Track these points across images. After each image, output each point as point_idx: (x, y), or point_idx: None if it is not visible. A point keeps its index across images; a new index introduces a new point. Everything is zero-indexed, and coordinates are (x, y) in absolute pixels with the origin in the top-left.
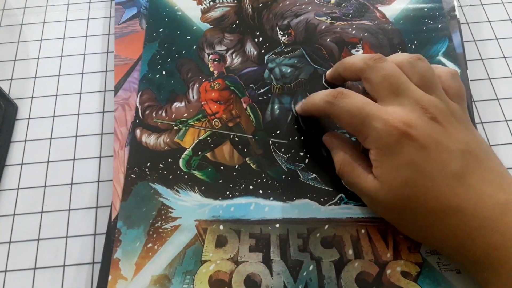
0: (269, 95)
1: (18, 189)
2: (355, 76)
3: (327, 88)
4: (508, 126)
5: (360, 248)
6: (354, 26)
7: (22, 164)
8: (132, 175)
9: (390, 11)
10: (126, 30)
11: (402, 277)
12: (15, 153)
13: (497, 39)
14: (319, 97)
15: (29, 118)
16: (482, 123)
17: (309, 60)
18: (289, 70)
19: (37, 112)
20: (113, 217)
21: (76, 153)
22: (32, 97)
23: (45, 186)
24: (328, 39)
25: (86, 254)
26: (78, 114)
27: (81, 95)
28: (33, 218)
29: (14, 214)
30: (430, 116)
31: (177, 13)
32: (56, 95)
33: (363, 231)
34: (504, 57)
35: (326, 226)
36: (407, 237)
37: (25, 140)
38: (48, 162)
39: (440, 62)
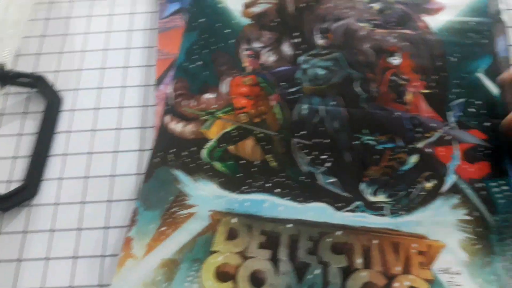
0: (299, 95)
1: (61, 179)
2: None
3: None
4: None
5: (369, 258)
6: (395, 35)
7: (65, 154)
8: (156, 159)
9: (435, 21)
10: (169, 24)
11: None
12: (59, 144)
13: None
14: None
15: (73, 110)
16: None
17: (344, 64)
18: (323, 72)
19: (81, 104)
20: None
21: (119, 145)
22: (76, 89)
23: (87, 177)
24: (367, 45)
25: None
26: (121, 107)
27: (125, 88)
28: (74, 208)
29: (56, 204)
30: None
31: (220, 5)
32: (100, 87)
33: (375, 241)
34: None
35: (339, 232)
36: (420, 252)
37: (69, 131)
38: (90, 153)
39: (478, 80)
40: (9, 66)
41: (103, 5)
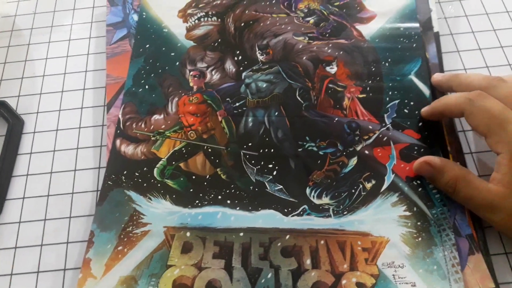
0: (244, 108)
1: (23, 198)
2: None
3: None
4: None
5: (318, 258)
6: (330, 45)
7: (27, 175)
8: (109, 182)
9: (367, 29)
10: (117, 50)
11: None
12: (21, 165)
13: (480, 49)
14: (456, 96)
15: (34, 132)
16: (464, 131)
17: (284, 76)
18: (264, 85)
19: (42, 126)
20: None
21: (77, 164)
22: (37, 112)
23: (48, 195)
24: (304, 57)
25: None
26: (79, 127)
27: (82, 110)
28: (37, 225)
29: (19, 222)
30: None
31: (164, 30)
32: (60, 110)
33: (322, 242)
34: (487, 67)
35: (287, 236)
36: (365, 249)
37: (31, 153)
38: (51, 173)
39: (411, 81)
40: None
41: (62, 31)
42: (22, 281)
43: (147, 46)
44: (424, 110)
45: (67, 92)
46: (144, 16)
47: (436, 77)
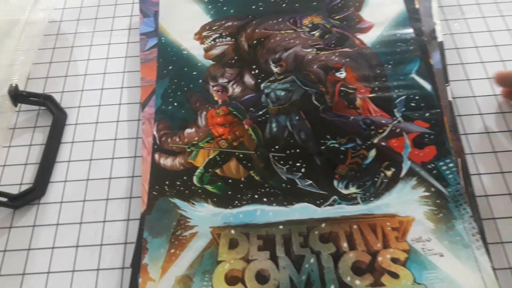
0: (267, 116)
1: (65, 181)
2: None
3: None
4: (489, 137)
5: (353, 241)
6: (336, 54)
7: (69, 161)
8: (154, 192)
9: (368, 38)
10: (149, 56)
11: (392, 262)
12: (64, 152)
13: (482, 62)
14: None
15: (76, 124)
16: (466, 134)
17: (299, 84)
18: (283, 93)
19: (83, 119)
20: (141, 210)
21: (115, 153)
22: (79, 107)
23: (87, 180)
24: (315, 66)
25: (120, 236)
26: (117, 121)
27: (120, 106)
28: (76, 206)
29: (61, 202)
30: None
31: (183, 52)
32: (99, 105)
33: (355, 226)
34: (488, 78)
35: (323, 224)
36: (394, 228)
37: (73, 142)
38: (90, 160)
39: (413, 79)
40: (21, 87)
41: (102, 36)
42: (63, 253)
43: (170, 67)
44: (499, 73)
45: (106, 90)
46: (163, 41)
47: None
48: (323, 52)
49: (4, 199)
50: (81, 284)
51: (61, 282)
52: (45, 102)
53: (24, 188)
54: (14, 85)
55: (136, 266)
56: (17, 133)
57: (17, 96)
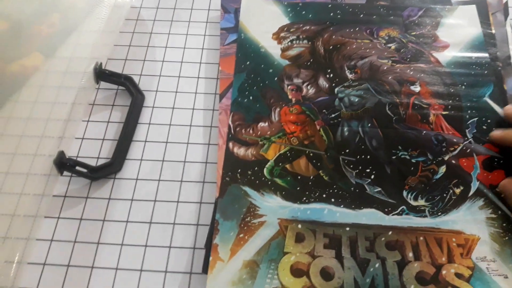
0: (339, 119)
1: (141, 160)
2: None
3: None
4: None
5: (419, 252)
6: (411, 68)
7: (145, 141)
8: (227, 178)
9: (443, 57)
10: (229, 51)
11: (456, 277)
12: (141, 132)
13: None
14: None
15: (153, 107)
16: None
17: (373, 92)
18: (356, 100)
19: (160, 103)
20: (216, 195)
21: (190, 138)
22: (156, 91)
23: (163, 161)
24: (390, 77)
25: (192, 217)
26: (192, 109)
27: (196, 95)
28: (151, 184)
29: (136, 179)
30: None
31: (261, 50)
32: (176, 91)
33: (421, 238)
34: None
35: (390, 232)
36: (459, 245)
37: (149, 123)
38: (166, 142)
39: (486, 103)
40: (102, 67)
41: (180, 26)
42: (136, 228)
43: (248, 63)
44: (495, 134)
45: (183, 78)
46: (242, 37)
47: (508, 109)
48: (398, 65)
49: (83, 170)
50: (153, 258)
51: (134, 254)
52: (125, 82)
53: (101, 162)
54: (99, 63)
55: (210, 247)
56: (96, 109)
57: (100, 74)
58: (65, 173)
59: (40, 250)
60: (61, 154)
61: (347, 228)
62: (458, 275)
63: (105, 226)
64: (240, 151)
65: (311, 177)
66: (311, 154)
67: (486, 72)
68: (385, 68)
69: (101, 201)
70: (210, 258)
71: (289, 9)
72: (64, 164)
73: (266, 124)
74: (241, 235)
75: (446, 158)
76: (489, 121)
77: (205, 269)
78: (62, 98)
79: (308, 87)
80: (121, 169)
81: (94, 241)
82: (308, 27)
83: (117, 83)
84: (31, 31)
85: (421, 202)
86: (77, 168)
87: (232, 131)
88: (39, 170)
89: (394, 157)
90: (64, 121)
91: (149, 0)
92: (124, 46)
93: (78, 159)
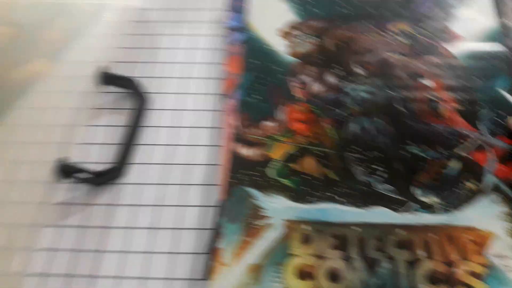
0: (349, 116)
1: (144, 164)
2: None
3: None
4: None
5: (430, 250)
6: (423, 62)
7: (150, 145)
8: (232, 180)
9: (456, 49)
10: (235, 50)
11: (470, 275)
12: (145, 136)
13: None
14: None
15: (157, 109)
16: None
17: (384, 87)
18: (366, 95)
19: (164, 105)
20: (220, 197)
21: (193, 140)
22: (159, 93)
23: (166, 164)
24: (401, 72)
25: (195, 221)
26: (198, 110)
27: (201, 95)
28: (155, 189)
29: (140, 183)
30: None
31: (268, 47)
32: (181, 93)
33: (433, 235)
34: None
35: (400, 230)
36: (473, 241)
37: (154, 126)
38: (171, 145)
39: (502, 96)
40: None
41: (185, 27)
42: (139, 234)
43: (254, 62)
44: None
45: (188, 79)
46: (249, 36)
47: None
48: (409, 59)
49: (87, 176)
50: (155, 265)
51: (136, 262)
52: (130, 85)
53: (103, 167)
54: (104, 66)
55: (212, 251)
56: (101, 113)
57: (106, 77)
58: (69, 179)
59: (40, 259)
60: (64, 159)
61: (355, 228)
62: (473, 274)
63: (107, 234)
64: (245, 151)
65: (319, 176)
66: (318, 153)
67: (501, 64)
68: (395, 62)
69: (105, 207)
70: (213, 263)
71: (296, 5)
72: (68, 169)
73: (273, 123)
74: (246, 238)
75: (459, 152)
76: (504, 114)
77: (207, 275)
78: (66, 103)
79: (316, 84)
80: (124, 174)
81: (94, 249)
82: (316, 23)
83: (122, 86)
84: (37, 37)
85: (431, 198)
86: (80, 174)
87: (238, 131)
88: (41, 177)
89: (404, 153)
90: (68, 126)
91: (155, 2)
92: (129, 49)
93: (81, 164)
